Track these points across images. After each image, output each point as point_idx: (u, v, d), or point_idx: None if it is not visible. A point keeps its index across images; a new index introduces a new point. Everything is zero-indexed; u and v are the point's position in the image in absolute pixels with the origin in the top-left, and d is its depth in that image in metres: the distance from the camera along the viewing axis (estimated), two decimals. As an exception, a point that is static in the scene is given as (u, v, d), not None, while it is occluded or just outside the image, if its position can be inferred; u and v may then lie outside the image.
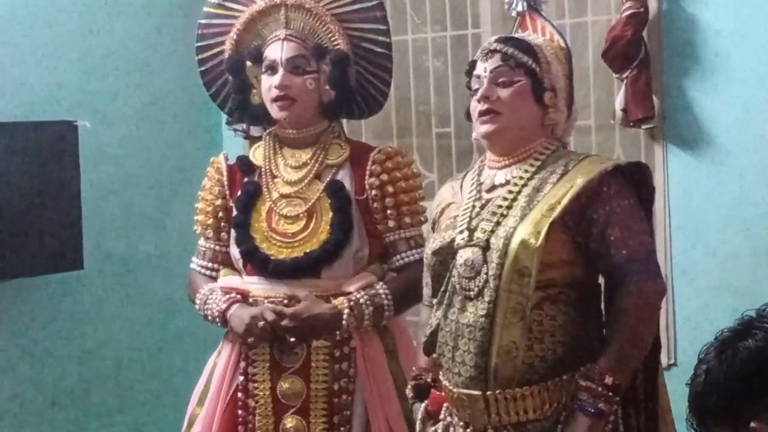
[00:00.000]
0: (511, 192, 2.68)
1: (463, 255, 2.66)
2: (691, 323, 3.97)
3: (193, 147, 4.90)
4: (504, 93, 2.71)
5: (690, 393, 1.94)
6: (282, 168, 3.25)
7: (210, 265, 3.33)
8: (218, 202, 3.31)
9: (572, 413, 2.58)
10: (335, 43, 3.20)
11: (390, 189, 3.19)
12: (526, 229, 2.59)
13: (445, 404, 2.79)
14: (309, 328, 3.11)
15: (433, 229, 2.89)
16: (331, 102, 3.21)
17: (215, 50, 3.33)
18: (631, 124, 3.98)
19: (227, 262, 3.31)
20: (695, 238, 3.99)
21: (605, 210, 2.62)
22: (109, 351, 4.71)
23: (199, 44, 3.37)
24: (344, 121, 3.23)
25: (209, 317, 3.24)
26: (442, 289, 2.72)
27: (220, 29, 3.31)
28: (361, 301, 3.12)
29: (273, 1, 3.23)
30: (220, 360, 3.27)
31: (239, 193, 3.27)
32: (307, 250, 3.16)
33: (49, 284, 4.48)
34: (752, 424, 1.83)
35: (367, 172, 3.20)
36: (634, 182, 2.71)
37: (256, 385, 3.19)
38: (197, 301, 3.28)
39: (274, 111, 3.20)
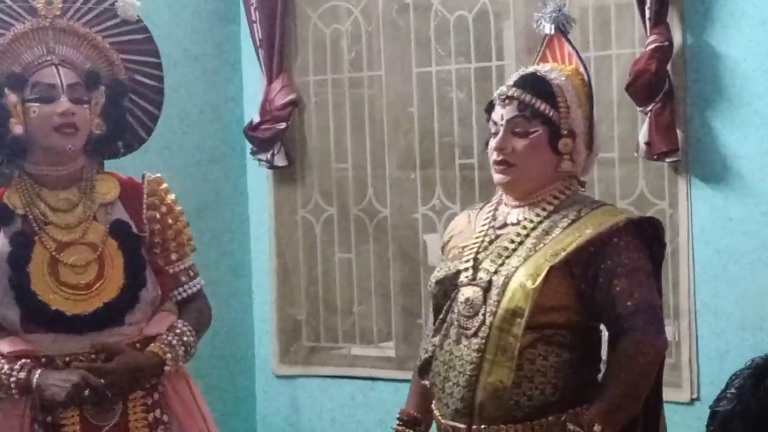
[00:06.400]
0: (519, 234, 2.70)
1: (465, 293, 2.68)
2: (715, 359, 3.94)
3: (217, 176, 4.89)
4: (519, 144, 2.71)
5: (712, 417, 1.92)
6: (50, 213, 2.95)
7: None
8: None
9: None
10: (111, 72, 3.00)
11: (169, 220, 3.06)
12: (527, 270, 2.61)
13: None
14: (133, 381, 2.90)
15: (442, 251, 2.90)
16: (100, 136, 2.98)
17: None
18: (655, 157, 3.98)
19: None
20: (719, 273, 3.97)
21: (613, 261, 2.63)
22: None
23: None
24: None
25: None
26: (441, 317, 2.75)
27: None
28: (174, 342, 2.98)
29: (39, 23, 2.96)
30: None
31: (9, 249, 2.92)
32: (106, 300, 2.93)
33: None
34: None
35: (144, 206, 3.02)
36: (646, 237, 2.70)
37: None
38: None
39: (55, 140, 2.91)
